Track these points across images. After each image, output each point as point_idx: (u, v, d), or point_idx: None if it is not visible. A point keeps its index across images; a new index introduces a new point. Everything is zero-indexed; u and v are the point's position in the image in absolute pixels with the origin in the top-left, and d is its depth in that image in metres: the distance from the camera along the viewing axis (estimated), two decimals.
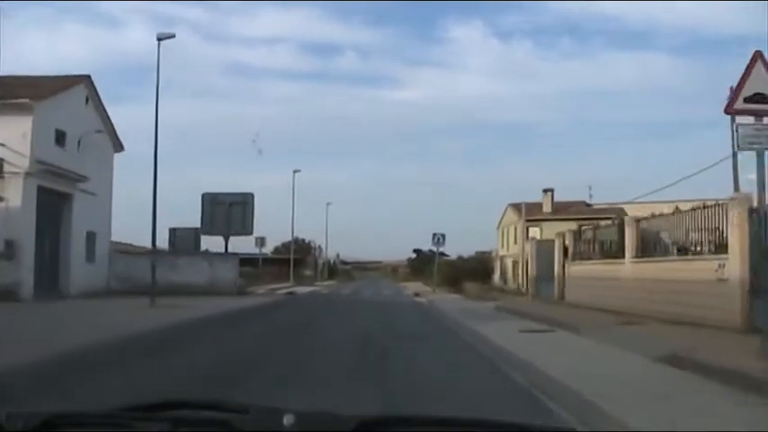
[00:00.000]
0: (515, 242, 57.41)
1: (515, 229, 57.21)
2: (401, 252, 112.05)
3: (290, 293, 31.03)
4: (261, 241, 37.93)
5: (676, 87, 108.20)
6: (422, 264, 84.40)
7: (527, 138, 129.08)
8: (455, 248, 79.63)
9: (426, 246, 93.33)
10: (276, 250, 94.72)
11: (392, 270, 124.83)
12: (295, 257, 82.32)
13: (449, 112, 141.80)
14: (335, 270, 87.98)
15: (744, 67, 8.96)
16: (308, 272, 74.69)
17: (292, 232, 48.98)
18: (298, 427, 1.37)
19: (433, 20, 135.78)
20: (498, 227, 65.60)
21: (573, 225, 55.40)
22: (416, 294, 31.53)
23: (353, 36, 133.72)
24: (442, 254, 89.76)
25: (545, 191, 55.33)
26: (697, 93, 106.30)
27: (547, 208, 55.34)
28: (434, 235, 29.63)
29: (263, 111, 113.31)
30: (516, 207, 58.61)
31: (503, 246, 62.53)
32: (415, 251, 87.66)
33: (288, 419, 1.37)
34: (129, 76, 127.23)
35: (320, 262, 78.52)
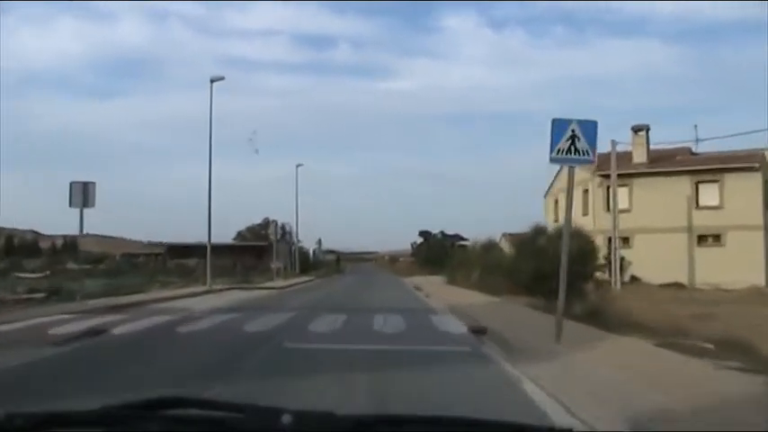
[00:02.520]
0: (585, 213, 36.74)
1: (588, 192, 36.55)
2: (399, 243, 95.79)
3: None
4: (84, 193, 15.71)
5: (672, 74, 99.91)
6: (431, 252, 63.74)
7: (523, 125, 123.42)
8: (471, 234, 59.95)
9: (437, 228, 73.29)
10: (241, 236, 73.61)
11: (390, 260, 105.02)
12: (261, 245, 61.65)
13: (444, 102, 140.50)
14: (317, 261, 67.07)
15: None
16: (274, 264, 54.02)
17: (209, 195, 27.90)
18: (295, 426, 1.35)
19: (426, 10, 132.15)
20: (547, 194, 44.95)
21: (684, 181, 34.79)
22: (476, 330, 10.10)
23: (347, 27, 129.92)
24: (460, 237, 68.74)
25: (636, 130, 34.57)
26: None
27: (640, 157, 34.63)
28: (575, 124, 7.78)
29: (258, 103, 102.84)
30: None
31: (556, 221, 41.90)
32: (421, 234, 66.57)
33: (285, 419, 1.36)
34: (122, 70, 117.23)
35: (295, 250, 57.72)
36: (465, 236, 62.48)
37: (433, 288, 26.80)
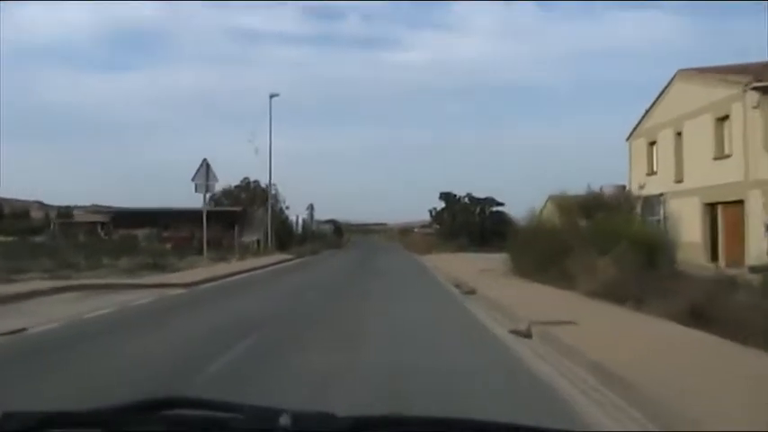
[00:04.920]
0: (724, 154, 22.88)
1: (727, 120, 22.54)
2: (415, 212, 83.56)
3: None
4: None
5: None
6: (455, 221, 49.37)
7: (537, 95, 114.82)
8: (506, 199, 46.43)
9: (461, 189, 58.13)
10: (216, 201, 59.04)
11: (401, 232, 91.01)
12: (232, 211, 48.04)
13: (453, 74, 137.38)
14: (309, 233, 53.24)
15: None
16: (249, 237, 40.57)
17: None
18: (293, 427, 1.35)
19: None
20: (630, 137, 30.91)
21: None
22: None
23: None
24: (494, 201, 54.38)
25: None
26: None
27: None
28: None
29: (265, 75, 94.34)
30: (725, 71, 24.13)
31: (653, 172, 28.09)
32: (443, 197, 51.98)
33: (284, 419, 1.35)
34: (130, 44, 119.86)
35: (268, 215, 43.83)
36: (500, 200, 48.40)
37: (507, 295, 12.93)
